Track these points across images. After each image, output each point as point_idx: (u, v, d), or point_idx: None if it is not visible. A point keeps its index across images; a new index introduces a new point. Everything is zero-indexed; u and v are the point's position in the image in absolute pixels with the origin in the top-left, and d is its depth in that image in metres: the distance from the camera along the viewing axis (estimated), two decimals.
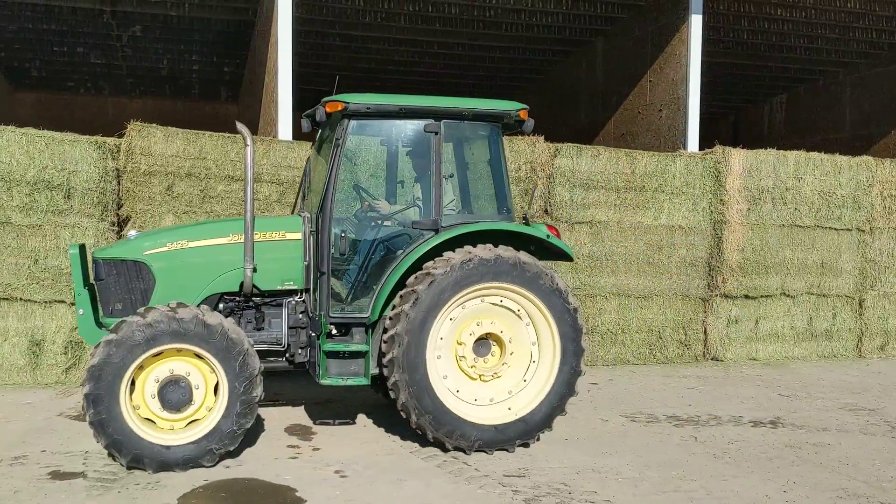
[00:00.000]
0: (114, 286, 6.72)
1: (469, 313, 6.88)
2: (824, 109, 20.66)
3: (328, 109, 6.78)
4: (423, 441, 6.99)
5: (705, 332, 11.83)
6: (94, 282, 6.78)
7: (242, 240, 6.82)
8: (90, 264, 6.91)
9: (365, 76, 19.91)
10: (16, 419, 7.86)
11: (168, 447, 6.20)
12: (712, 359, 11.86)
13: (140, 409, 6.26)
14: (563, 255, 7.45)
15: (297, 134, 11.47)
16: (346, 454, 6.87)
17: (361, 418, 8.04)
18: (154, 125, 9.83)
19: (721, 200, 11.67)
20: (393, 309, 6.72)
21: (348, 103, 6.73)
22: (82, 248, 6.82)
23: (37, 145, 9.36)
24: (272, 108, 13.05)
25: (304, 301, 7.12)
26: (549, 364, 6.99)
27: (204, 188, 9.92)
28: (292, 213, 8.44)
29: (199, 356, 6.28)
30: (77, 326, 7.84)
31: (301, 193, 8.04)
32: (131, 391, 6.19)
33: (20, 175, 9.32)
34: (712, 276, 11.76)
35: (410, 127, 7.22)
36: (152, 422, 6.30)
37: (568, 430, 7.77)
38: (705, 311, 11.80)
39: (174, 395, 6.25)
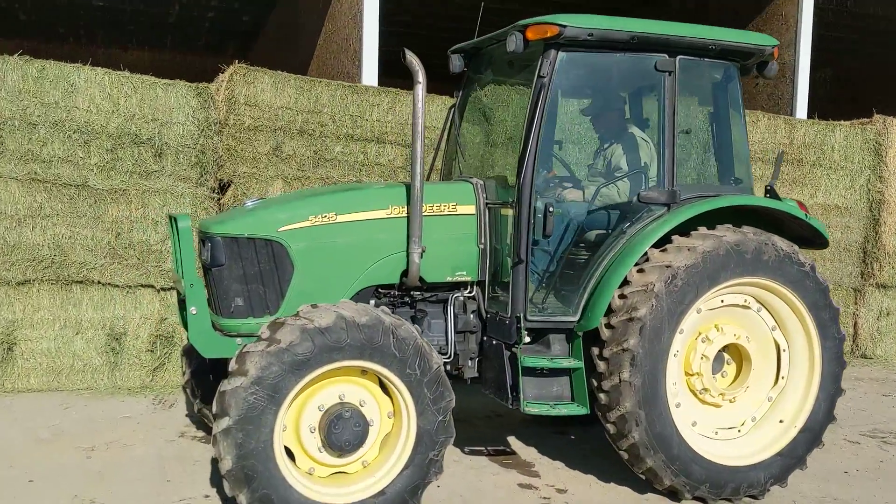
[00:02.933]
0: (236, 274, 4.92)
1: (704, 318, 5.31)
2: None
3: (531, 36, 4.98)
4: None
5: (855, 325, 10.48)
6: (207, 267, 4.98)
7: (406, 213, 5.14)
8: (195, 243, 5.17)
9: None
10: (133, 442, 6.02)
11: None
12: (861, 356, 10.52)
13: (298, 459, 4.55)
14: (816, 241, 5.84)
15: (382, 81, 9.74)
16: (604, 499, 5.27)
17: (518, 446, 6.38)
18: (261, 69, 7.95)
19: (880, 177, 10.28)
20: (614, 313, 5.06)
21: (564, 27, 4.93)
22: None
23: (122, 89, 7.42)
24: (346, 56, 11.19)
25: (473, 296, 5.46)
26: (804, 383, 5.46)
27: (318, 149, 8.10)
28: (428, 177, 6.63)
29: (365, 371, 4.60)
30: (182, 325, 5.81)
31: (457, 154, 6.23)
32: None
33: (100, 126, 7.36)
34: (866, 264, 10.39)
35: (634, 64, 5.38)
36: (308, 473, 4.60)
37: (838, 462, 6.29)
38: (856, 303, 10.44)
39: (346, 433, 4.49)
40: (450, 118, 6.26)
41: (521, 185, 5.03)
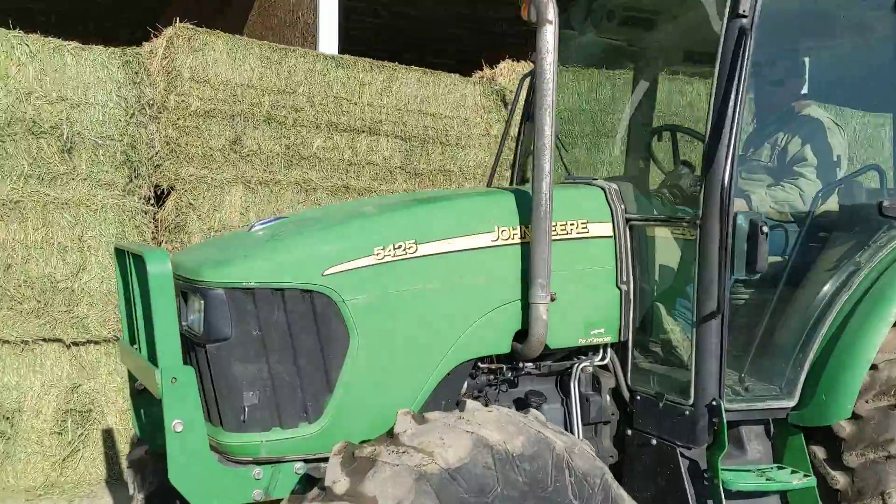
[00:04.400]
0: (249, 354, 2.76)
1: None
2: None
3: None
4: None
5: None
6: (197, 343, 2.80)
7: (521, 238, 3.15)
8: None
9: None
10: None
11: None
12: None
13: None
14: None
15: (343, 49, 7.68)
16: None
17: None
18: (213, 31, 5.77)
19: None
20: (866, 397, 3.23)
21: None
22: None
23: (13, 55, 5.08)
24: (294, 32, 9.03)
25: (605, 365, 3.47)
26: None
27: (292, 143, 5.97)
28: (490, 181, 4.66)
29: None
30: (139, 434, 3.51)
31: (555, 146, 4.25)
32: None
33: None
34: None
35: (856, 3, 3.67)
36: None
37: None
38: None
39: None
40: (523, 92, 4.25)
41: (721, 193, 3.05)
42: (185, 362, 2.69)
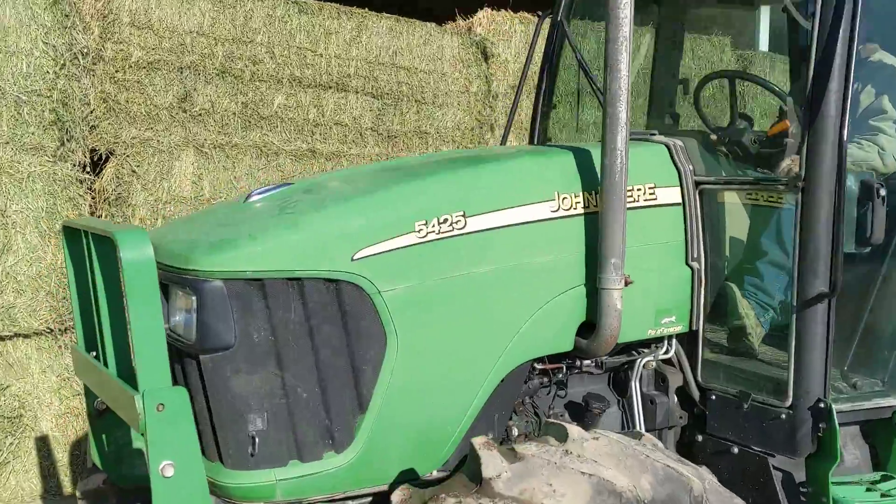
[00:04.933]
0: (257, 365, 2.11)
1: None
2: None
3: None
4: None
5: None
6: (189, 352, 2.13)
7: (586, 208, 2.57)
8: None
9: None
10: None
11: None
12: None
13: None
14: None
15: None
16: None
17: None
18: None
19: None
20: None
21: None
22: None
23: None
24: None
25: (669, 360, 2.90)
26: None
27: (249, 100, 5.22)
28: (503, 142, 4.03)
29: None
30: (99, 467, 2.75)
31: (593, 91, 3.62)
32: None
33: None
34: None
35: None
36: None
37: None
38: None
39: None
40: (538, 35, 3.62)
41: (839, 149, 2.49)
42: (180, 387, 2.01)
